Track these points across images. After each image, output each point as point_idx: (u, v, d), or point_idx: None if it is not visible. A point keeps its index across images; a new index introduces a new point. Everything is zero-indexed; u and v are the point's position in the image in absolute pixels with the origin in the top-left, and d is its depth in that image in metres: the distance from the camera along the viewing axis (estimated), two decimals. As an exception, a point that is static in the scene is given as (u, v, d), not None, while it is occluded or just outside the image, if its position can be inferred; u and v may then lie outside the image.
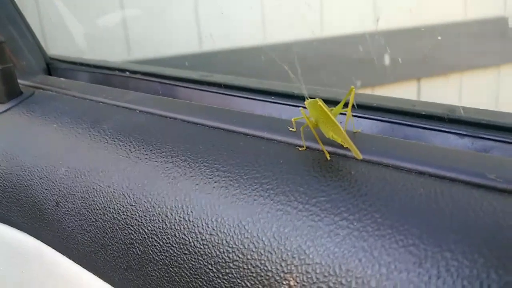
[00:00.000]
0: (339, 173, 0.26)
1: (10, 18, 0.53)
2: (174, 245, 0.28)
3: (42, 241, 0.38)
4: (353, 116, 0.34)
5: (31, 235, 0.39)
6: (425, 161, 0.26)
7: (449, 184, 0.24)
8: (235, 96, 0.41)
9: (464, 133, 0.30)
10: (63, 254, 0.36)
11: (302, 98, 0.38)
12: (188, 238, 0.28)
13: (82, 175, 0.35)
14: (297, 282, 0.24)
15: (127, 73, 0.48)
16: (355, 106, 0.35)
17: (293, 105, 0.38)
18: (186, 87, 0.44)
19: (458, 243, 0.20)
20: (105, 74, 0.50)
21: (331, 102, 0.35)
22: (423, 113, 0.33)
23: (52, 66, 0.55)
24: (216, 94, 0.42)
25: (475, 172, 0.24)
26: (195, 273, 0.27)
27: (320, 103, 0.28)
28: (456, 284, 0.19)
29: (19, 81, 0.46)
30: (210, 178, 0.29)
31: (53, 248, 0.37)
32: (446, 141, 0.31)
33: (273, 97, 0.39)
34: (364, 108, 0.35)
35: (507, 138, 0.28)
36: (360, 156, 0.25)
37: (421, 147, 0.28)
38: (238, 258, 0.26)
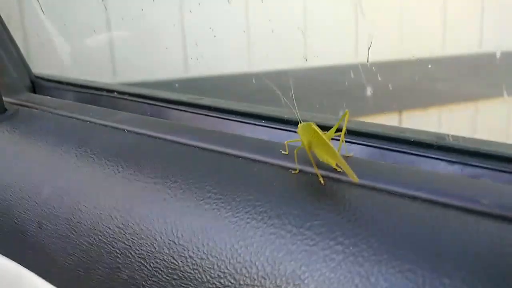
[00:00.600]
0: (333, 197, 0.26)
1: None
2: (162, 269, 0.28)
3: (22, 265, 0.36)
4: (343, 141, 0.35)
5: (10, 258, 0.37)
6: (418, 186, 0.26)
7: (443, 209, 0.24)
8: (224, 119, 0.41)
9: (454, 160, 0.31)
10: (44, 279, 0.34)
11: (292, 123, 0.39)
12: (178, 263, 0.27)
13: (67, 195, 0.34)
14: (292, 309, 0.23)
15: (115, 93, 0.48)
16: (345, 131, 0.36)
17: (283, 129, 0.38)
18: (176, 109, 0.44)
19: (456, 269, 0.20)
20: (92, 94, 0.49)
21: (322, 127, 0.36)
22: (412, 139, 0.34)
23: (37, 84, 0.54)
24: (206, 116, 0.42)
25: (468, 197, 0.24)
26: (185, 299, 0.27)
27: (314, 126, 0.28)
28: (455, 311, 0.19)
29: (3, 98, 0.45)
30: (201, 200, 0.29)
31: (34, 272, 0.35)
32: (436, 167, 0.31)
33: (263, 121, 0.39)
34: (354, 134, 0.36)
35: (496, 166, 0.29)
36: (356, 179, 0.25)
37: (413, 172, 0.28)
38: (230, 284, 0.25)
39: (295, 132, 0.36)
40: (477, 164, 0.30)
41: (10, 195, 0.37)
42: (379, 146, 0.34)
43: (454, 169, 0.31)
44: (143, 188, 0.31)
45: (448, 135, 0.33)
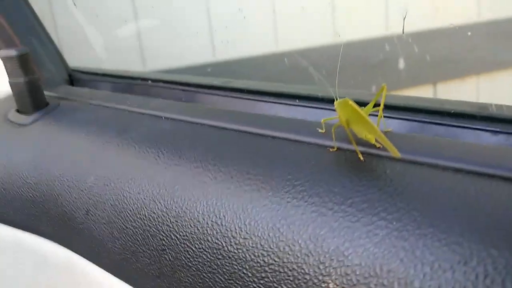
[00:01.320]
0: (373, 173, 0.26)
1: (32, 30, 0.54)
2: (207, 250, 0.28)
3: (72, 251, 0.38)
4: (383, 116, 0.34)
5: (61, 244, 0.39)
6: (460, 158, 0.25)
7: (488, 180, 0.23)
8: (258, 100, 0.41)
9: (498, 130, 0.30)
10: (93, 262, 0.36)
11: (327, 100, 0.38)
12: (222, 243, 0.28)
13: (111, 183, 0.35)
14: (337, 285, 0.23)
15: (149, 81, 0.49)
16: (384, 106, 0.35)
17: (318, 108, 0.38)
18: (209, 93, 0.44)
19: (503, 240, 0.20)
20: (126, 83, 0.51)
21: (359, 103, 0.35)
22: (453, 111, 0.33)
23: (74, 77, 0.55)
24: (239, 99, 0.42)
25: (514, 167, 0.24)
26: (230, 278, 0.27)
27: (351, 102, 0.28)
28: (506, 283, 0.19)
29: (44, 92, 0.47)
30: (241, 182, 0.29)
31: (84, 257, 0.37)
32: (479, 138, 0.30)
33: (297, 100, 0.39)
34: (392, 108, 0.35)
35: (544, 133, 0.27)
36: (398, 154, 0.25)
37: (455, 144, 0.27)
38: (273, 262, 0.25)
39: (331, 110, 0.36)
40: (523, 133, 0.29)
41: (58, 184, 0.39)
42: (419, 120, 0.33)
43: (499, 139, 0.30)
44: (184, 173, 0.32)
45: (491, 105, 0.32)
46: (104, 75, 0.54)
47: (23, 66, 0.43)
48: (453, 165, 0.25)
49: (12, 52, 0.43)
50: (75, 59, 0.59)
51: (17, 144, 0.44)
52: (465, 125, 0.31)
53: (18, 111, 0.46)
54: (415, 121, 0.33)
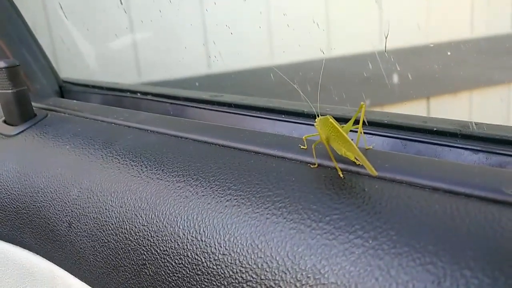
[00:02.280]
0: (352, 191, 0.26)
1: (24, 42, 0.54)
2: (186, 265, 0.28)
3: (54, 263, 0.38)
4: (364, 133, 0.34)
5: (43, 256, 0.39)
6: (438, 177, 0.25)
7: (465, 200, 0.24)
8: (245, 115, 0.41)
9: (478, 148, 0.30)
10: (75, 275, 0.36)
11: (311, 116, 0.38)
12: (201, 258, 0.28)
13: (94, 196, 0.35)
14: (312, 303, 0.23)
15: (138, 94, 0.49)
16: (366, 123, 0.35)
17: (302, 123, 0.38)
18: (197, 107, 0.45)
19: (478, 261, 0.20)
20: (117, 96, 0.51)
21: (341, 120, 0.35)
22: (435, 129, 0.33)
23: (65, 89, 0.56)
24: (226, 113, 0.43)
25: (491, 187, 0.24)
26: (208, 294, 0.27)
27: (331, 120, 0.28)
28: (477, 304, 0.19)
29: (32, 103, 0.47)
30: (222, 197, 0.29)
31: (65, 269, 0.37)
32: (460, 157, 0.31)
33: (283, 116, 0.39)
34: (375, 125, 0.35)
35: (523, 153, 0.28)
36: (375, 173, 0.25)
37: (434, 163, 0.27)
38: (251, 279, 0.25)
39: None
40: (503, 152, 0.29)
41: (42, 196, 0.39)
42: (401, 137, 0.33)
43: (479, 157, 0.30)
44: (166, 187, 0.32)
45: (472, 123, 0.32)
46: (95, 87, 0.55)
47: (12, 78, 0.43)
48: (430, 184, 0.25)
49: (1, 64, 0.43)
50: (75, 70, 0.59)
51: (2, 155, 0.44)
52: (446, 143, 0.31)
53: (5, 121, 0.46)
54: (398, 138, 0.33)
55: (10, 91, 0.44)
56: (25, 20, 0.54)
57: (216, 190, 0.30)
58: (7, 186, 0.42)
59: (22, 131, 0.44)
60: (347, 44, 1.02)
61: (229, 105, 0.44)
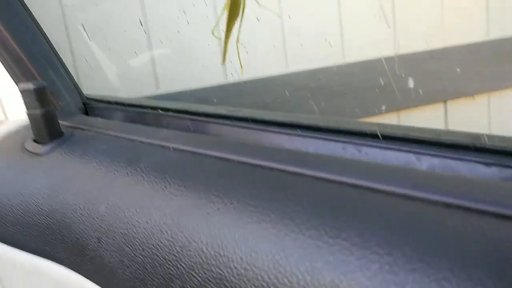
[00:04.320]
0: (367, 207, 0.27)
1: (49, 61, 0.57)
2: (211, 280, 0.30)
3: (84, 276, 0.40)
4: (378, 147, 0.35)
5: (74, 270, 0.41)
6: (451, 192, 0.26)
7: (478, 216, 0.24)
8: (261, 130, 0.43)
9: (491, 161, 0.31)
10: (104, 288, 0.38)
11: (326, 131, 0.40)
12: (224, 273, 0.29)
13: (121, 212, 0.37)
14: (331, 316, 0.24)
15: (159, 111, 0.51)
16: (380, 137, 0.36)
17: (318, 138, 0.39)
18: (215, 122, 0.46)
19: (491, 277, 0.21)
20: (138, 112, 0.53)
21: (351, 133, 0.37)
22: (447, 142, 0.34)
23: (89, 106, 0.58)
24: (244, 129, 0.44)
25: (504, 202, 0.24)
26: (232, 307, 0.28)
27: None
28: (489, 319, 0.20)
29: (59, 121, 0.49)
30: (242, 213, 0.30)
31: (95, 282, 0.39)
32: (473, 170, 0.31)
33: (298, 130, 0.40)
34: (389, 139, 0.36)
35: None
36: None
37: (447, 178, 0.28)
38: (273, 292, 0.27)
39: (334, 140, 0.38)
40: (515, 165, 0.30)
41: (71, 212, 0.41)
42: (414, 151, 0.34)
43: (492, 171, 0.31)
44: (189, 203, 0.33)
45: (483, 135, 0.33)
46: (117, 103, 0.57)
47: (40, 99, 0.45)
48: (443, 199, 0.26)
49: (30, 86, 0.45)
50: (95, 86, 0.62)
51: (33, 173, 0.46)
52: (459, 157, 0.32)
53: (34, 140, 0.49)
54: (410, 152, 0.34)
55: (38, 111, 0.46)
56: (50, 40, 0.57)
57: (237, 207, 0.31)
58: (39, 203, 0.44)
59: (51, 150, 0.46)
60: (360, 51, 1.03)
61: (246, 119, 0.45)
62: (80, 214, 0.40)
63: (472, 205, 0.25)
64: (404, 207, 0.26)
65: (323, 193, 0.30)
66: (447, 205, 0.26)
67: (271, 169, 0.33)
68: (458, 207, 0.25)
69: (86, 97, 0.60)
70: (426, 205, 0.26)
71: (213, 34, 0.29)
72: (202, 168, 0.36)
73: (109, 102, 0.58)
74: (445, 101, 1.19)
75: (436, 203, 0.26)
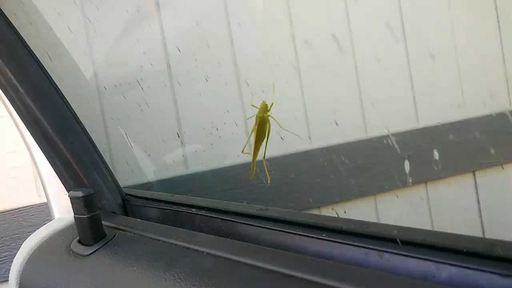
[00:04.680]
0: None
1: (94, 165, 0.63)
2: None
3: None
4: (397, 254, 0.37)
5: None
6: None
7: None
8: (288, 232, 0.46)
9: (507, 273, 0.32)
10: None
11: (352, 234, 0.42)
12: None
13: (159, 318, 0.40)
14: None
15: (193, 210, 0.55)
16: (399, 243, 0.39)
17: (343, 243, 0.41)
18: (245, 223, 0.49)
19: None
20: (173, 210, 0.57)
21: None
22: (465, 250, 0.35)
23: (128, 202, 0.63)
24: (272, 230, 0.47)
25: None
26: None
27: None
28: None
29: (102, 222, 0.54)
30: (272, 327, 0.32)
31: None
32: (490, 280, 0.33)
33: (323, 234, 0.43)
34: (410, 245, 0.38)
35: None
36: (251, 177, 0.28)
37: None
38: None
39: (356, 246, 0.40)
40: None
41: (113, 315, 0.44)
42: (434, 260, 0.36)
43: (509, 283, 0.32)
44: (222, 313, 0.36)
45: (499, 243, 0.35)
46: (153, 200, 0.61)
47: (87, 205, 0.50)
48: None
49: (79, 193, 0.50)
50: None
51: (77, 274, 0.50)
52: (475, 267, 0.34)
53: (79, 241, 0.53)
54: (430, 260, 0.36)
55: (85, 216, 0.51)
56: (96, 145, 0.63)
57: (267, 319, 0.33)
58: (83, 304, 0.47)
59: (95, 251, 0.50)
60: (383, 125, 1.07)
61: (274, 220, 0.48)
62: (121, 317, 0.43)
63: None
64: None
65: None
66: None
67: (300, 279, 0.36)
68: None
69: (125, 193, 0.65)
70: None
71: (243, 152, 0.33)
72: (235, 277, 0.39)
73: (145, 198, 0.63)
74: (473, 172, 1.19)
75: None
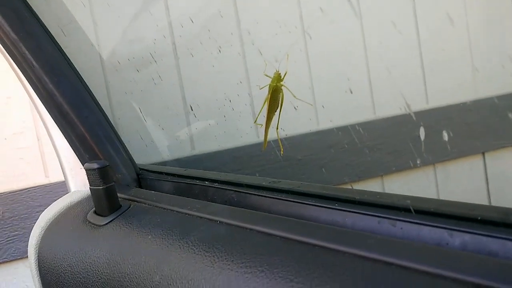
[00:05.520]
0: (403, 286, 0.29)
1: (108, 139, 0.63)
2: None
3: None
4: (410, 222, 0.37)
5: (130, 337, 0.44)
6: (480, 273, 0.28)
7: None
8: (300, 203, 0.46)
9: (522, 239, 0.32)
10: None
11: (361, 203, 0.42)
12: None
13: (174, 283, 0.41)
14: None
15: (206, 182, 0.56)
16: (413, 211, 0.39)
17: (356, 212, 0.42)
18: (257, 194, 0.50)
19: None
20: (187, 183, 0.58)
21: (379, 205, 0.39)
22: (480, 217, 0.35)
23: (142, 176, 0.64)
24: (284, 201, 0.48)
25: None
26: None
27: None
28: None
29: (117, 193, 0.55)
30: (285, 289, 0.33)
31: None
32: (503, 247, 0.33)
33: (336, 204, 0.43)
34: (423, 213, 0.38)
35: None
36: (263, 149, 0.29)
37: (479, 259, 0.30)
38: None
39: (369, 215, 0.40)
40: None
41: (128, 281, 0.45)
42: (447, 227, 0.36)
43: (523, 249, 0.32)
44: (236, 277, 0.37)
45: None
46: (168, 174, 0.62)
47: (103, 176, 0.51)
48: (473, 280, 0.28)
49: (94, 165, 0.51)
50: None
51: (94, 243, 0.51)
52: (489, 233, 0.34)
53: (95, 212, 0.54)
54: (443, 228, 0.36)
55: (101, 187, 0.52)
56: (110, 120, 0.64)
57: (280, 282, 0.34)
58: (99, 272, 0.48)
59: (110, 221, 0.51)
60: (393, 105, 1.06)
61: (286, 192, 0.49)
62: (136, 283, 0.44)
63: (503, 287, 0.27)
64: (438, 287, 0.28)
65: (360, 270, 0.32)
66: (477, 286, 0.28)
67: (312, 245, 0.36)
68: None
69: (139, 168, 0.66)
70: (456, 285, 0.28)
71: (255, 123, 0.34)
72: (247, 243, 0.40)
73: (160, 173, 0.63)
74: (483, 153, 1.19)
75: (466, 283, 0.28)
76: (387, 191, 1.06)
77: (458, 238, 0.35)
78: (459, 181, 1.15)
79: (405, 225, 0.38)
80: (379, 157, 1.03)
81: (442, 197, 1.14)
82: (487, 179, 1.18)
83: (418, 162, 1.09)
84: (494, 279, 0.27)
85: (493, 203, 1.18)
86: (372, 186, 1.04)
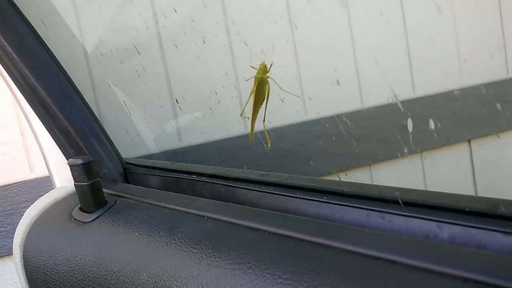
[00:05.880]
0: (390, 284, 0.29)
1: (94, 134, 0.62)
2: None
3: None
4: (398, 215, 0.37)
5: (118, 335, 0.44)
6: (469, 266, 0.28)
7: (495, 290, 0.26)
8: (288, 196, 0.45)
9: (509, 230, 0.32)
10: None
11: (350, 196, 0.42)
12: None
13: (161, 281, 0.40)
14: None
15: (194, 176, 0.55)
16: (401, 203, 0.39)
17: (343, 205, 0.41)
18: (245, 188, 0.49)
19: None
20: (174, 177, 0.57)
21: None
22: (467, 209, 0.35)
23: (129, 171, 0.63)
24: (272, 194, 0.47)
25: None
26: None
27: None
28: None
29: (103, 189, 0.54)
30: (273, 286, 0.33)
31: None
32: (492, 239, 0.33)
33: (324, 197, 0.43)
34: (411, 205, 0.38)
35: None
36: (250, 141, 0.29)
37: (464, 251, 0.30)
38: None
39: (357, 207, 0.40)
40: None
41: (115, 279, 0.44)
42: (435, 219, 0.36)
43: (511, 241, 0.32)
44: (224, 274, 0.36)
45: (502, 203, 0.35)
46: (154, 168, 0.61)
47: (87, 172, 0.50)
48: (461, 274, 0.28)
49: (79, 161, 0.50)
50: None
51: (80, 241, 0.50)
52: (478, 225, 0.34)
53: (81, 209, 0.53)
54: (432, 220, 0.36)
55: (85, 183, 0.51)
56: (94, 114, 0.62)
57: (268, 279, 0.33)
58: (85, 269, 0.47)
59: (96, 218, 0.50)
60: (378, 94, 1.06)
61: (274, 185, 0.48)
62: (123, 281, 0.43)
63: (490, 280, 0.27)
64: (422, 282, 0.28)
65: (349, 265, 0.32)
66: (466, 280, 0.27)
67: (301, 240, 0.36)
68: (476, 282, 0.27)
69: (126, 162, 0.64)
70: (445, 280, 0.28)
71: (241, 115, 0.33)
72: (235, 239, 0.39)
73: (146, 167, 0.62)
74: (469, 141, 1.19)
75: (455, 277, 0.28)
76: (375, 180, 1.07)
77: (447, 230, 0.35)
78: (446, 169, 1.16)
79: (393, 218, 0.38)
80: (366, 146, 1.03)
81: (429, 185, 1.15)
82: (473, 166, 1.20)
83: (405, 151, 1.09)
84: (483, 273, 0.27)
85: (479, 190, 1.20)
86: (360, 175, 1.05)
